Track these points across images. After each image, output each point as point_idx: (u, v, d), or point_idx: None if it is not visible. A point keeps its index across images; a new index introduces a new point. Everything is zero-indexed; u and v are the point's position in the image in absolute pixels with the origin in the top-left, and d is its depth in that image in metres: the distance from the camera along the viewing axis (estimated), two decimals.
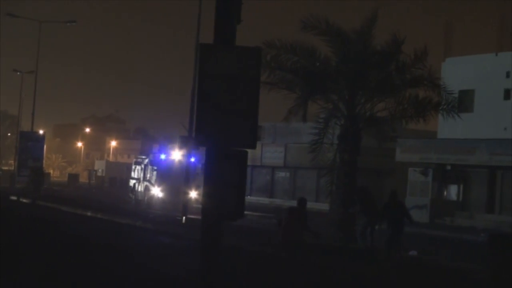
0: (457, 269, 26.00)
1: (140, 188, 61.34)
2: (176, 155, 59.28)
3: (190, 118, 41.72)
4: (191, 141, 41.89)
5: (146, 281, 20.10)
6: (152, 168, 59.75)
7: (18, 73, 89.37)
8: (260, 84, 32.97)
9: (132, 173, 65.73)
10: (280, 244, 27.29)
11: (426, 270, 25.70)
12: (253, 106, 11.12)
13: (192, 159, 50.74)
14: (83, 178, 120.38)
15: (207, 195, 11.15)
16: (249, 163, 49.02)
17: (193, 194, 51.17)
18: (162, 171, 58.37)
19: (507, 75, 55.74)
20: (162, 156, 60.19)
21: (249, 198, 76.55)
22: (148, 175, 59.96)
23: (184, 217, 40.25)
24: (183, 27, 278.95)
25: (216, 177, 11.03)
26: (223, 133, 11.09)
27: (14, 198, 55.37)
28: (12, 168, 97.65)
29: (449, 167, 58.64)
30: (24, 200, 53.47)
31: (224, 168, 11.07)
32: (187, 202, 41.95)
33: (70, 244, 27.89)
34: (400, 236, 28.32)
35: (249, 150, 47.40)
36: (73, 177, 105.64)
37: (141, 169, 62.00)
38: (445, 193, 59.34)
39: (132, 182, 64.58)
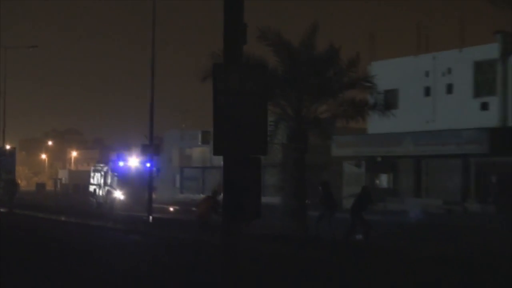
0: (399, 249, 26.09)
1: (101, 192, 62.08)
2: (133, 162, 60.23)
3: (150, 128, 41.99)
4: (150, 149, 42.28)
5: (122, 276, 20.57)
6: (113, 174, 60.51)
7: None
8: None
9: (91, 180, 66.59)
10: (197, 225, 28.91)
11: (373, 252, 25.65)
12: (262, 117, 11.34)
13: (148, 165, 51.44)
14: (49, 186, 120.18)
15: (227, 198, 11.17)
16: (200, 165, 49.94)
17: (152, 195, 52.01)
18: (122, 176, 59.32)
19: (427, 74, 56.75)
20: (121, 163, 61.03)
21: (201, 196, 77.17)
22: (109, 181, 60.76)
23: (150, 217, 40.57)
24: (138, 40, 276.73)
25: (234, 182, 11.14)
26: (238, 142, 11.21)
27: None
28: None
29: (379, 159, 59.36)
30: (1, 209, 53.30)
31: (241, 173, 11.17)
32: (151, 202, 42.21)
33: (51, 247, 28.10)
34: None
35: (200, 153, 48.06)
36: (41, 186, 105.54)
37: (101, 175, 62.87)
38: (377, 181, 60.17)
39: (92, 187, 65.48)
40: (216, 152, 11.17)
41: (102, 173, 63.13)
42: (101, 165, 67.20)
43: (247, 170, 10.93)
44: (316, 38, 33.37)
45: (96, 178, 64.39)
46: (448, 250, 26.06)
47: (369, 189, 32.20)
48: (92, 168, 70.60)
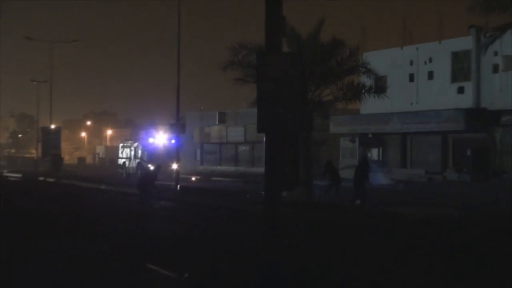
0: (392, 213, 26.01)
1: (131, 164, 62.60)
2: (160, 138, 60.56)
3: (177, 109, 42.04)
4: (177, 128, 42.35)
5: (161, 237, 20.92)
6: (143, 149, 61.06)
7: (35, 82, 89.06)
8: (234, 80, 33.44)
9: (120, 154, 67.41)
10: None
11: (371, 215, 25.71)
12: (298, 99, 11.19)
13: (173, 141, 51.78)
14: (89, 160, 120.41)
15: (269, 170, 10.95)
16: (218, 141, 50.05)
17: (175, 166, 52.51)
18: (150, 150, 59.86)
19: (411, 63, 56.72)
20: (150, 140, 61.45)
21: (219, 168, 77.49)
22: (140, 155, 61.30)
23: (178, 186, 40.70)
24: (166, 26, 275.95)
25: (275, 156, 11.00)
26: (278, 121, 11.05)
27: (41, 178, 55.44)
28: (34, 156, 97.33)
29: (371, 135, 59.49)
30: (50, 180, 53.58)
31: (282, 148, 11.06)
32: (178, 173, 42.26)
33: (99, 211, 28.36)
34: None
35: (217, 131, 47.92)
36: (82, 159, 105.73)
37: (130, 150, 63.75)
38: (369, 155, 60.30)
39: (121, 161, 66.16)
40: (260, 130, 10.97)
41: (132, 148, 63.85)
42: (130, 141, 68.10)
43: (287, 145, 10.79)
44: (322, 32, 33.37)
45: (125, 153, 65.23)
46: (435, 212, 26.18)
47: (367, 158, 32.22)
48: (120, 144, 71.20)
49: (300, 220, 23.71)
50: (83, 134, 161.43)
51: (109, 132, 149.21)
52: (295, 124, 10.99)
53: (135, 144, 64.30)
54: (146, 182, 29.04)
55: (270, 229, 10.68)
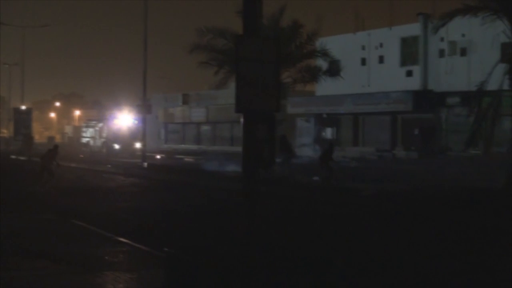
0: (349, 188, 26.13)
1: (95, 143, 62.28)
2: (124, 118, 60.25)
3: (143, 91, 41.50)
4: (143, 109, 41.93)
5: (132, 211, 20.52)
6: (109, 128, 60.72)
7: (6, 65, 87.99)
8: (198, 64, 33.03)
9: (83, 134, 67.05)
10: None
11: (329, 190, 25.89)
12: (275, 80, 10.98)
13: (136, 122, 51.78)
14: (58, 139, 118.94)
15: (246, 149, 10.81)
16: (181, 121, 49.64)
17: (138, 145, 52.98)
18: (115, 130, 59.59)
19: (363, 48, 56.75)
20: (115, 120, 61.14)
21: (182, 146, 77.09)
22: (105, 134, 60.98)
23: (145, 163, 40.32)
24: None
25: (252, 135, 10.78)
26: (256, 101, 10.90)
27: (13, 156, 54.60)
28: (5, 135, 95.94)
29: (325, 116, 59.56)
30: (22, 158, 52.78)
31: (258, 128, 10.67)
32: (145, 151, 41.87)
33: (74, 187, 27.87)
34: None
35: (181, 112, 47.45)
36: (51, 139, 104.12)
37: (94, 130, 63.31)
38: (323, 134, 60.41)
39: (85, 140, 66.00)
40: (237, 109, 10.71)
41: (97, 128, 63.65)
42: (94, 121, 67.95)
43: (263, 125, 10.58)
44: (282, 18, 33.07)
45: (89, 132, 65.13)
46: (387, 187, 26.21)
47: (333, 144, 31.97)
48: (84, 124, 71.08)
49: (266, 196, 23.56)
50: (53, 114, 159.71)
51: (77, 112, 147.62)
52: (272, 104, 10.77)
53: (100, 124, 63.92)
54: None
55: (250, 206, 10.50)
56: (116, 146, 58.53)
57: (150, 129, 66.00)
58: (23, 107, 75.06)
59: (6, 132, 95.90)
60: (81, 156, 57.11)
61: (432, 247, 14.19)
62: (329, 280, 10.82)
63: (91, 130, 65.35)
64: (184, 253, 12.90)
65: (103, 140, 61.23)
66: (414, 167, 40.14)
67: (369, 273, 11.49)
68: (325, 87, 42.06)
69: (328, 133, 60.10)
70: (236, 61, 10.63)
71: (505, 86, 23.19)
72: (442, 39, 48.88)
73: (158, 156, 55.04)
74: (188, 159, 49.59)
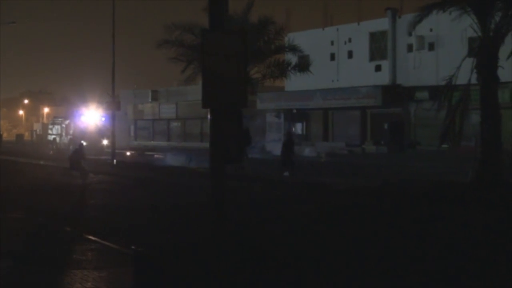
0: (320, 183, 25.97)
1: (62, 141, 61.74)
2: (92, 115, 59.83)
3: (112, 87, 41.09)
4: (112, 105, 41.57)
5: (101, 208, 20.31)
6: (75, 126, 60.23)
7: None
8: (168, 59, 32.76)
9: (50, 131, 66.61)
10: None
11: (300, 185, 25.74)
12: (242, 75, 10.72)
13: (103, 119, 51.44)
14: (26, 137, 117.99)
15: (213, 145, 10.71)
16: (151, 117, 49.24)
17: (105, 142, 52.82)
18: (82, 127, 59.13)
19: (332, 43, 56.84)
20: (82, 117, 60.69)
21: (152, 143, 76.71)
22: (71, 131, 60.50)
23: (114, 160, 40.00)
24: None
25: (220, 131, 10.43)
26: (223, 96, 10.68)
27: None
28: None
29: (295, 111, 59.54)
30: None
31: (225, 123, 10.45)
32: (114, 148, 41.55)
33: (42, 186, 27.57)
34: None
35: (150, 108, 47.07)
36: (20, 136, 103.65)
37: (61, 127, 62.87)
38: (293, 129, 60.41)
39: (51, 137, 65.34)
40: (204, 105, 10.53)
41: (63, 125, 63.09)
42: (60, 118, 67.28)
43: (230, 120, 10.42)
44: (251, 13, 32.84)
45: (56, 130, 64.46)
46: (358, 182, 26.23)
47: (292, 136, 31.98)
48: (50, 121, 70.40)
49: (234, 192, 23.46)
50: (21, 112, 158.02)
51: (46, 110, 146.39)
52: (240, 100, 10.63)
53: (66, 121, 63.39)
54: (77, 157, 28.76)
55: (217, 201, 10.40)
56: (84, 143, 58.16)
57: (120, 125, 65.56)
58: None
59: None
60: (51, 153, 56.63)
61: (398, 240, 14.20)
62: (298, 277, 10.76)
63: (57, 127, 64.67)
64: (151, 251, 12.80)
65: (69, 137, 60.66)
66: (384, 162, 40.34)
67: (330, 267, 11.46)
68: (295, 82, 42.06)
69: (298, 128, 60.11)
70: (202, 56, 10.47)
71: (473, 81, 23.32)
72: (410, 34, 49.08)
73: (128, 153, 54.74)
74: (158, 155, 49.34)
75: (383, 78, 52.01)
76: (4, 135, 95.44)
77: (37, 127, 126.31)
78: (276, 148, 50.44)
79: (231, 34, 11.00)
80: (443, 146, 24.93)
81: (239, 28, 30.99)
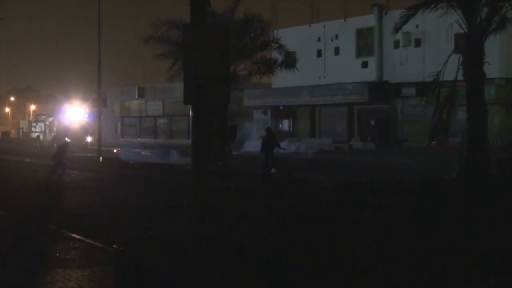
0: (308, 180, 25.80)
1: (46, 138, 61.49)
2: (76, 113, 59.50)
3: (98, 85, 40.73)
4: (99, 102, 41.24)
5: (86, 207, 20.10)
6: (59, 123, 59.97)
7: None
8: (154, 56, 32.58)
9: (33, 128, 66.40)
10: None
11: (287, 181, 25.55)
12: (224, 71, 10.25)
13: (87, 116, 51.26)
14: (13, 134, 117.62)
15: (195, 142, 10.45)
16: (137, 114, 48.95)
17: (89, 139, 52.75)
18: (66, 124, 58.80)
19: (319, 40, 56.87)
20: (66, 114, 60.36)
21: (139, 140, 76.46)
22: (55, 128, 60.26)
23: (100, 157, 39.71)
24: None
25: (202, 128, 10.25)
26: (204, 93, 10.40)
27: None
28: None
29: (282, 108, 59.55)
30: None
31: (208, 120, 10.29)
32: (100, 146, 41.22)
33: (28, 183, 27.33)
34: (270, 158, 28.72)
35: (137, 105, 46.85)
36: (6, 134, 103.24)
37: (44, 125, 62.71)
38: (280, 126, 60.36)
39: (35, 134, 65.13)
40: (186, 101, 10.38)
41: (47, 122, 62.84)
42: (44, 116, 67.00)
43: (212, 117, 10.25)
44: (237, 10, 32.71)
45: (39, 127, 64.27)
46: (346, 178, 26.10)
47: (272, 131, 31.67)
48: (34, 119, 70.19)
49: (222, 189, 23.33)
50: (7, 109, 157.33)
51: (32, 107, 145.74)
52: (222, 96, 10.45)
53: (50, 119, 63.18)
54: (61, 154, 28.63)
55: (199, 198, 10.25)
56: (68, 140, 57.94)
57: (106, 123, 65.33)
58: None
59: None
60: (37, 150, 56.34)
61: (383, 235, 14.12)
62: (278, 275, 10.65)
63: (40, 124, 64.59)
64: (133, 248, 12.63)
65: (53, 134, 60.49)
66: (371, 158, 40.32)
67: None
68: (282, 79, 41.94)
69: (285, 125, 60.08)
70: (184, 51, 10.29)
71: (460, 77, 23.25)
72: (396, 31, 48.99)
73: (115, 150, 54.47)
74: (144, 152, 49.09)
75: (370, 74, 52.03)
76: None
77: (23, 124, 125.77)
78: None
79: (213, 29, 10.81)
80: (432, 142, 24.86)
81: (225, 24, 31.06)
